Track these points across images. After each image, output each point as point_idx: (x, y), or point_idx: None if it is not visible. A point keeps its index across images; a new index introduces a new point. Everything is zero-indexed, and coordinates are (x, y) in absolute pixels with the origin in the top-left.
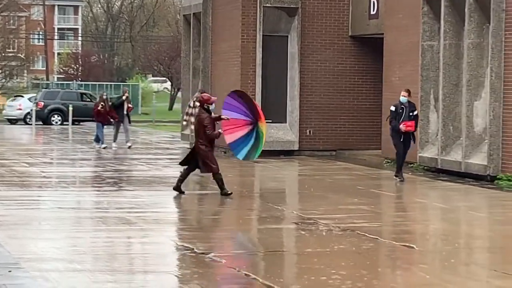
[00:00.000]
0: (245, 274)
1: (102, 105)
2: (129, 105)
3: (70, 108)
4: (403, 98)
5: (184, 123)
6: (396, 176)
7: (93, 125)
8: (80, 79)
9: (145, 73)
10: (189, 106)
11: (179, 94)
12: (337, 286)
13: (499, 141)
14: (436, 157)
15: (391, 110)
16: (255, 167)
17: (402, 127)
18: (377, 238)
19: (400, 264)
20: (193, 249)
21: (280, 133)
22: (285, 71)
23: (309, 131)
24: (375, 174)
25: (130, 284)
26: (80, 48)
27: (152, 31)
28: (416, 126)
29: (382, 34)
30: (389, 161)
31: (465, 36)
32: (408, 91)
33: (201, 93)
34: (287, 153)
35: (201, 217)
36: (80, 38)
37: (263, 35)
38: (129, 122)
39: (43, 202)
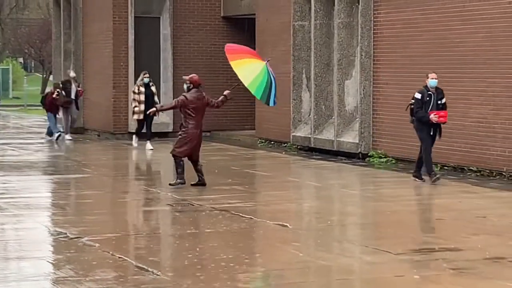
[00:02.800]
0: (119, 257)
1: (58, 91)
2: (78, 88)
3: None
4: (433, 82)
5: (136, 109)
6: (415, 176)
7: None
8: None
9: (16, 56)
10: (134, 92)
11: (51, 77)
12: (211, 266)
13: (370, 119)
14: (309, 136)
15: (416, 98)
16: (128, 149)
17: (434, 117)
18: (251, 218)
19: (274, 243)
20: (66, 233)
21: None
22: (158, 53)
23: None
24: (250, 154)
25: (3, 271)
26: None
27: (22, 14)
28: None
29: (254, 14)
30: (263, 141)
31: (335, 15)
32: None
33: (144, 74)
34: (162, 135)
35: (74, 201)
36: None
37: (135, 16)
38: (77, 108)
39: None
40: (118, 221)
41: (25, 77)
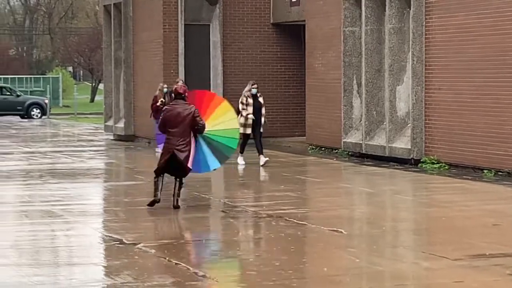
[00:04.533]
0: (176, 263)
1: (162, 101)
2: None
3: None
4: None
5: (242, 120)
6: None
7: (13, 119)
8: None
9: (65, 65)
10: (242, 103)
11: (101, 85)
12: (268, 272)
13: (422, 124)
14: (361, 142)
15: None
16: None
17: None
18: (305, 224)
19: (329, 249)
20: (121, 240)
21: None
22: (208, 60)
23: None
24: (300, 160)
25: (57, 277)
26: None
27: (71, 23)
28: None
29: (304, 21)
30: (314, 147)
31: (386, 21)
32: None
33: (252, 85)
34: None
35: (128, 208)
36: None
37: (184, 24)
38: None
39: None
40: (172, 227)
41: (75, 86)
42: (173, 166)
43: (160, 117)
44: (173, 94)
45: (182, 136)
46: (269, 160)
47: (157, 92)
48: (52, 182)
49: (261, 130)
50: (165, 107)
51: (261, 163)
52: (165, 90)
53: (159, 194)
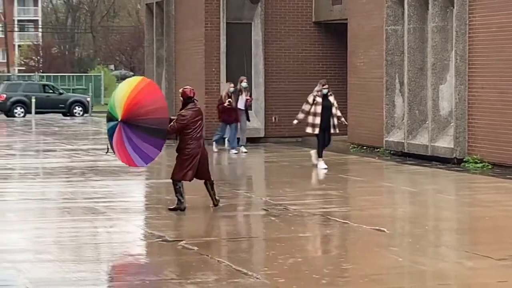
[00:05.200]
0: (218, 261)
1: (229, 101)
2: (248, 97)
3: (33, 100)
4: None
5: (295, 122)
6: None
7: (56, 116)
8: (41, 70)
9: (106, 63)
10: (308, 103)
11: None
12: (310, 270)
13: (465, 124)
14: (403, 141)
15: None
16: (221, 154)
17: None
18: (347, 222)
19: (371, 248)
20: (164, 237)
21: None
22: (250, 59)
23: (275, 118)
24: (342, 159)
25: (100, 273)
26: (40, 40)
27: (113, 22)
28: None
29: (346, 19)
30: (355, 146)
31: (429, 19)
32: None
33: (322, 85)
34: (253, 141)
35: (170, 205)
36: (40, 30)
37: (226, 22)
38: (248, 119)
39: (10, 194)
40: (214, 225)
41: (117, 84)
42: (200, 168)
43: (181, 120)
44: (181, 98)
45: (201, 138)
46: (327, 168)
47: (223, 93)
48: (95, 179)
49: (336, 131)
50: (183, 112)
51: (318, 163)
52: (231, 89)
53: (185, 202)
